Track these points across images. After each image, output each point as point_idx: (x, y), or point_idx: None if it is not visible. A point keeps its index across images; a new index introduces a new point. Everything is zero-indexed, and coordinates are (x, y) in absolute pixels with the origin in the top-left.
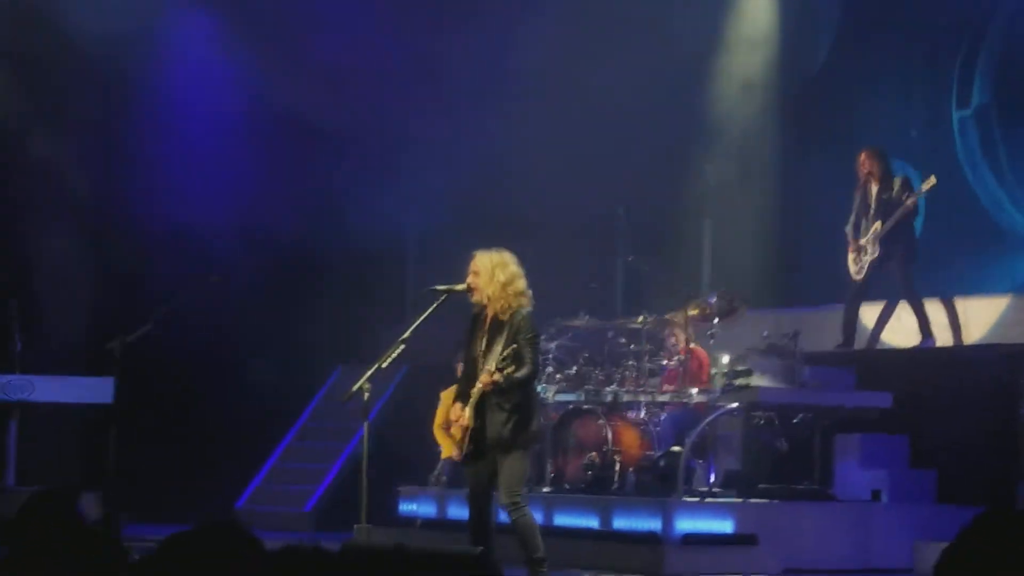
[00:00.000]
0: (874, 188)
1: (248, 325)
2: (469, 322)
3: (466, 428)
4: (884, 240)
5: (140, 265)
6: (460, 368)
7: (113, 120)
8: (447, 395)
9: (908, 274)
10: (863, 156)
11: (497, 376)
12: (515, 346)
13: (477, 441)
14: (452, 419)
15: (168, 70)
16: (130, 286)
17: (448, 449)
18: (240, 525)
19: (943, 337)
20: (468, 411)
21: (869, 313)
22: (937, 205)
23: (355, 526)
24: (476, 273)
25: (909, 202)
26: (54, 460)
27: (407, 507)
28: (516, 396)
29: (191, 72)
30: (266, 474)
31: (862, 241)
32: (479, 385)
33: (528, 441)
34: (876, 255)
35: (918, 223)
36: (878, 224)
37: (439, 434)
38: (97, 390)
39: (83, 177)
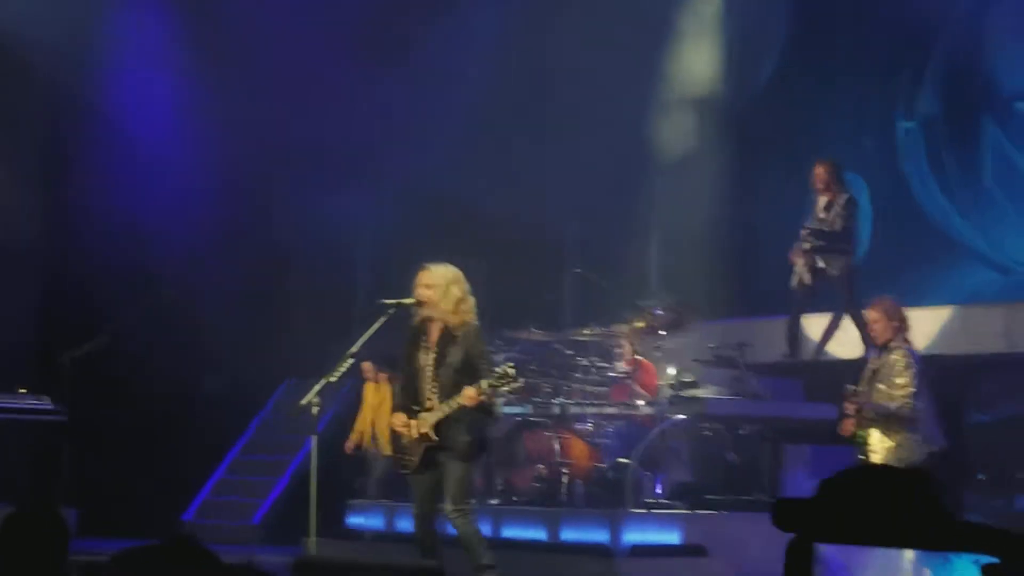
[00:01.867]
0: (821, 200)
1: (196, 339)
2: (408, 333)
3: (421, 440)
4: (817, 257)
5: (90, 279)
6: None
7: (63, 130)
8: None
9: (850, 286)
10: (816, 166)
11: (480, 396)
12: (509, 365)
13: (431, 453)
14: (399, 425)
15: (117, 78)
16: (79, 301)
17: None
18: (194, 539)
19: None
20: (428, 426)
21: (816, 324)
22: (883, 216)
23: (304, 539)
24: (429, 287)
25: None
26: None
27: (355, 520)
28: (479, 409)
29: (141, 81)
30: (213, 487)
31: (799, 252)
32: (459, 401)
33: (477, 452)
34: (807, 269)
35: (864, 234)
36: (809, 237)
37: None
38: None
39: (33, 190)
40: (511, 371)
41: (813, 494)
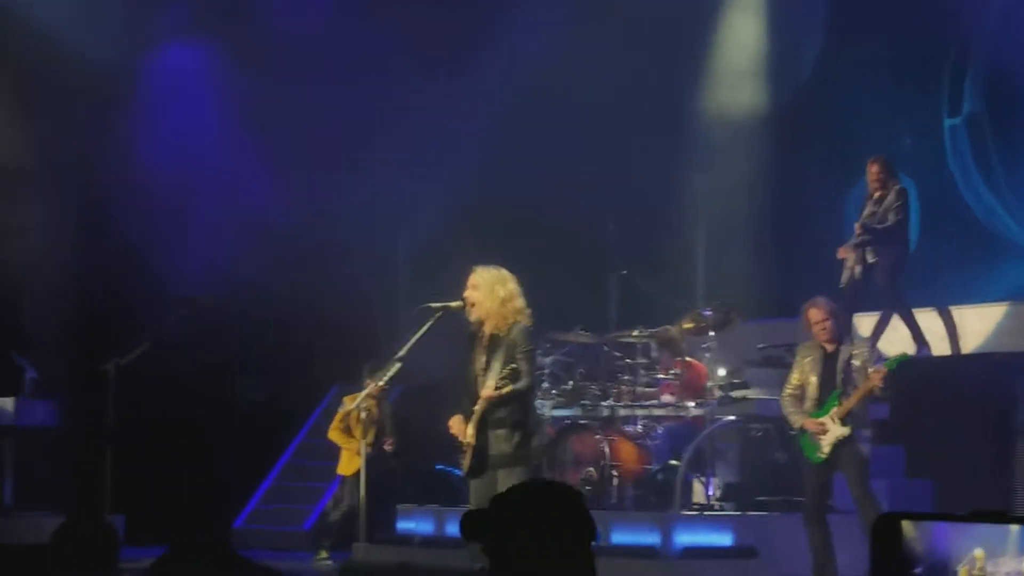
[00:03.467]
0: (874, 196)
1: (244, 345)
2: (466, 340)
3: (468, 445)
4: (870, 249)
5: (134, 286)
6: None
7: (106, 141)
8: (349, 399)
9: (896, 284)
10: (870, 164)
11: (496, 393)
12: (513, 365)
13: (478, 458)
14: (452, 430)
15: (159, 90)
16: (124, 307)
17: (347, 462)
18: (227, 545)
19: (939, 346)
20: (470, 428)
21: (865, 323)
22: (929, 214)
23: (353, 544)
24: (475, 287)
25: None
26: (50, 483)
27: (405, 524)
28: (517, 412)
29: (183, 93)
30: (263, 494)
31: (848, 248)
32: (480, 401)
33: (529, 458)
34: (858, 263)
35: (912, 233)
36: (859, 236)
37: (337, 436)
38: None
39: (76, 200)
40: (509, 372)
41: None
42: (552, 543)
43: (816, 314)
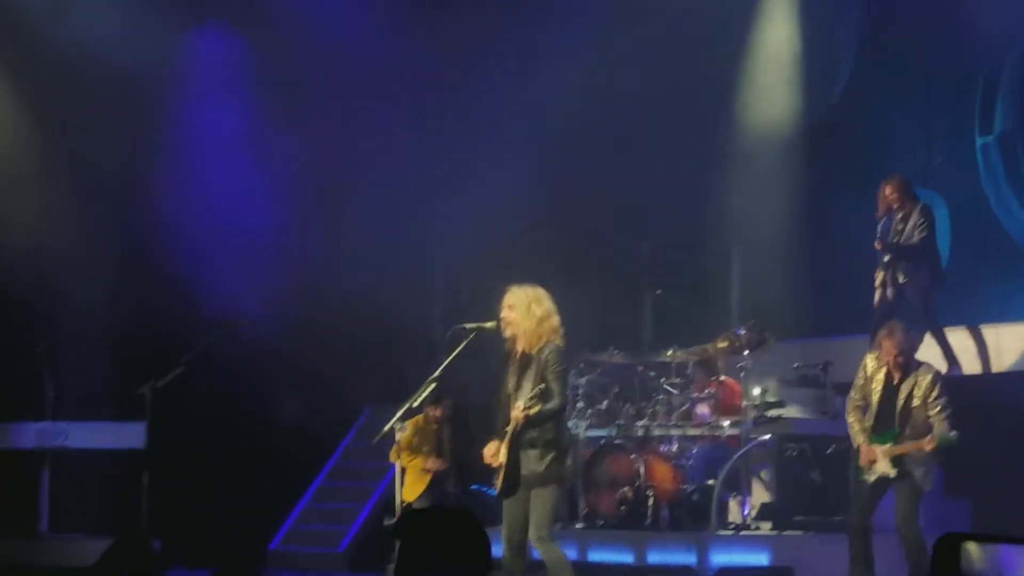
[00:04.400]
0: (897, 215)
1: (277, 367)
2: (502, 360)
3: (500, 465)
4: (902, 268)
5: (169, 308)
6: None
7: (138, 163)
8: (410, 424)
9: (929, 303)
10: (885, 187)
11: (527, 412)
12: (543, 385)
13: (511, 478)
14: (487, 456)
15: (193, 110)
16: (159, 329)
17: (412, 485)
18: (252, 566)
19: (972, 365)
20: (503, 448)
21: None
22: (962, 232)
23: (387, 566)
24: (511, 307)
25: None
26: (87, 507)
27: None
28: (549, 432)
29: (215, 113)
30: (299, 515)
31: (882, 271)
32: (512, 422)
33: (562, 477)
34: (890, 286)
35: (943, 251)
36: (887, 257)
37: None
38: (128, 435)
39: (110, 220)
40: (539, 392)
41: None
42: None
43: (889, 347)
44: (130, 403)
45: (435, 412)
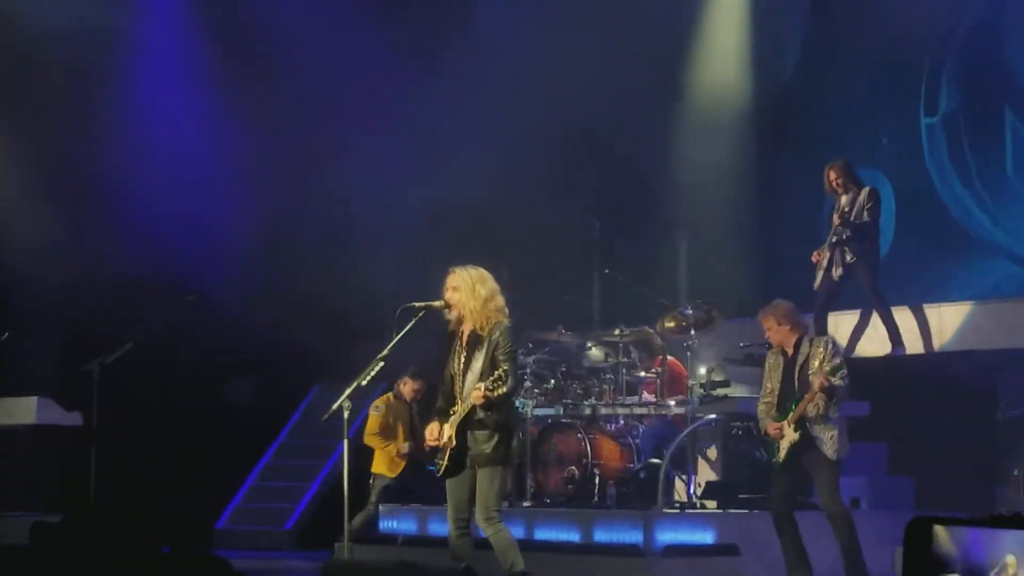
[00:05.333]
0: (842, 200)
1: (225, 344)
2: (446, 339)
3: (446, 445)
4: (846, 250)
5: (115, 286)
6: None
7: (88, 136)
8: (381, 402)
9: (874, 284)
10: (828, 170)
11: (487, 396)
12: (504, 367)
13: (457, 458)
14: (428, 437)
15: (137, 85)
16: (105, 307)
17: (382, 461)
18: (206, 547)
19: (915, 345)
20: (450, 429)
21: (845, 322)
22: (906, 212)
23: (335, 544)
24: (456, 288)
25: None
26: (31, 484)
27: (387, 524)
28: (499, 413)
29: (161, 87)
30: (245, 493)
31: (823, 251)
32: (470, 402)
33: (508, 458)
34: (835, 265)
35: (887, 231)
36: (835, 237)
37: (374, 440)
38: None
39: (55, 199)
40: (501, 374)
41: None
42: None
43: (771, 320)
44: (77, 380)
45: (410, 387)
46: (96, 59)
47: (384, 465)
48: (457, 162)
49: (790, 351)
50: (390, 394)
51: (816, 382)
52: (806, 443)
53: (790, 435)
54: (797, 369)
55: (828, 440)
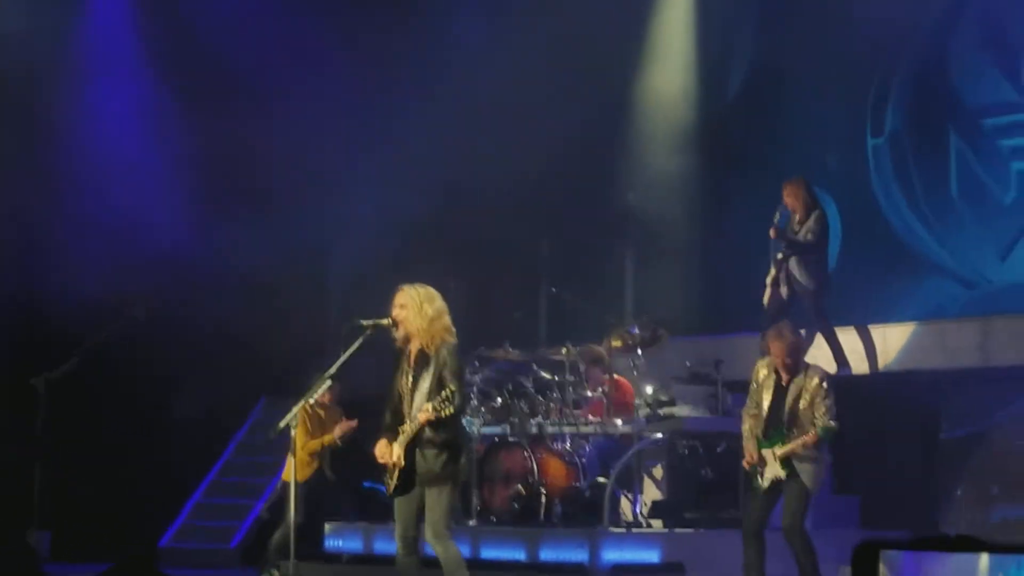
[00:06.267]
0: (794, 216)
1: (171, 358)
2: (394, 358)
3: (395, 464)
4: (793, 270)
5: (62, 301)
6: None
7: (31, 151)
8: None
9: (819, 304)
10: (786, 187)
11: (435, 415)
12: (452, 387)
13: (406, 476)
14: (377, 454)
15: (86, 93)
16: (52, 322)
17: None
18: (153, 563)
19: (860, 365)
20: (399, 448)
21: None
22: (851, 232)
23: (280, 562)
24: (403, 306)
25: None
26: None
27: (333, 543)
28: (447, 431)
29: (111, 97)
30: (190, 510)
31: (773, 269)
32: (417, 421)
33: (457, 476)
34: (784, 284)
35: (832, 251)
36: (781, 255)
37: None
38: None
39: (2, 209)
40: (449, 394)
41: None
42: None
43: (778, 349)
44: (22, 395)
45: (324, 395)
46: (42, 65)
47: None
48: (405, 178)
49: (785, 376)
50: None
51: (810, 438)
52: (789, 476)
53: (777, 470)
54: (789, 399)
55: (809, 475)
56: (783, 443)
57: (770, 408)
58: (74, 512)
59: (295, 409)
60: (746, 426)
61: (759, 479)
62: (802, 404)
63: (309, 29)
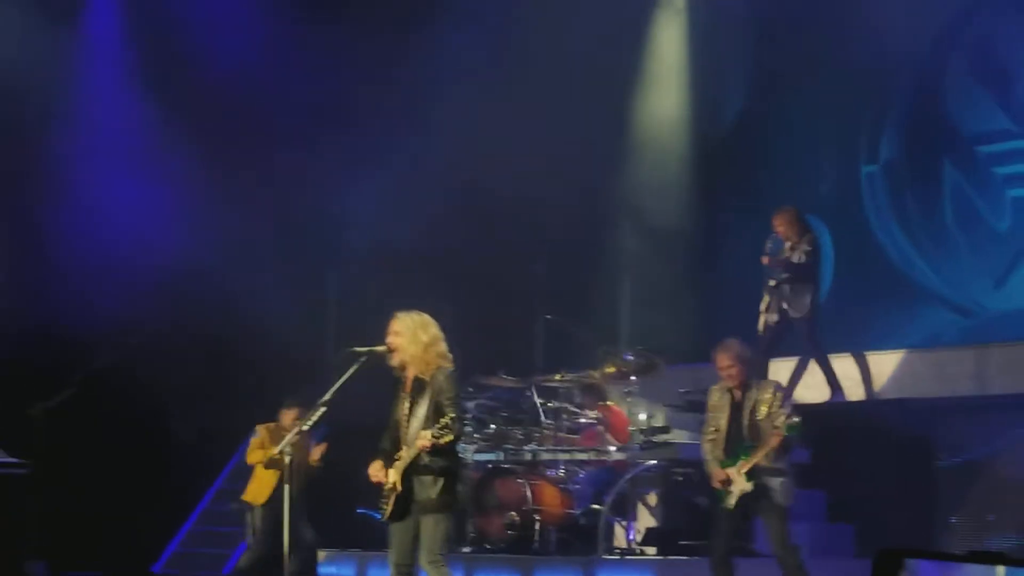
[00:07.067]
0: (786, 244)
1: (165, 386)
2: (394, 384)
3: (392, 490)
4: (785, 297)
5: (58, 329)
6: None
7: (24, 176)
8: (262, 428)
9: (813, 331)
10: (778, 216)
11: (434, 443)
12: (452, 415)
13: (402, 503)
14: (371, 474)
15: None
16: (48, 351)
17: (259, 489)
18: None
19: (854, 392)
20: (396, 475)
21: (783, 368)
22: (844, 259)
23: None
24: (397, 333)
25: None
26: None
27: (327, 570)
28: (444, 459)
29: (106, 123)
30: (183, 537)
31: (767, 296)
32: (415, 448)
33: (454, 504)
34: (775, 312)
35: (826, 278)
36: (775, 282)
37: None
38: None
39: None
40: (448, 422)
41: None
42: None
43: (723, 359)
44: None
45: (290, 416)
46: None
47: (254, 493)
48: (400, 203)
49: (738, 393)
50: (271, 424)
51: (774, 440)
52: (758, 492)
53: (743, 484)
54: (746, 413)
55: (779, 488)
56: (747, 456)
57: (728, 427)
58: (70, 539)
59: (288, 437)
60: (706, 447)
61: (726, 499)
62: (759, 415)
63: (305, 48)
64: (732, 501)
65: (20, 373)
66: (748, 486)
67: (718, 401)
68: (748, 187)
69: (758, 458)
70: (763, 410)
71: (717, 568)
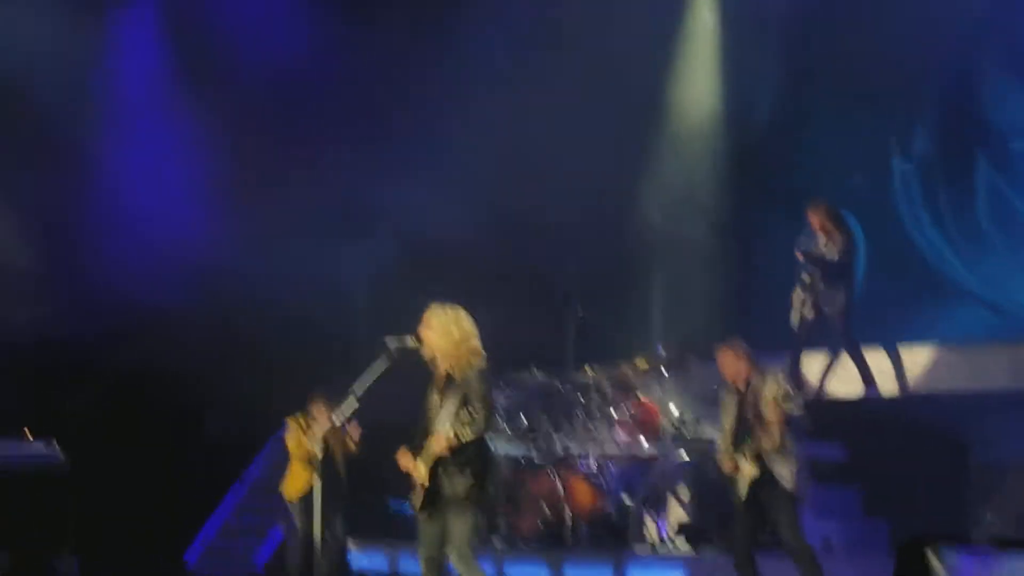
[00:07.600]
0: (821, 238)
1: (198, 379)
2: (429, 377)
3: (421, 486)
4: (819, 293)
5: (90, 324)
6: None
7: (56, 172)
8: (292, 421)
9: (847, 325)
10: (814, 212)
11: (451, 439)
12: (472, 410)
13: (431, 496)
14: (399, 460)
15: (111, 118)
16: (80, 346)
17: (294, 483)
18: None
19: (887, 386)
20: (423, 470)
21: (815, 362)
22: (877, 254)
23: None
24: (429, 327)
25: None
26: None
27: (359, 563)
28: (472, 454)
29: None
30: (216, 531)
31: (801, 292)
32: (435, 448)
33: (483, 497)
34: (810, 307)
35: (858, 273)
36: (809, 277)
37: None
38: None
39: (28, 232)
40: (470, 419)
41: None
42: None
43: (722, 359)
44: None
45: (318, 407)
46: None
47: (289, 487)
48: (433, 198)
49: (743, 388)
50: (302, 416)
51: (772, 415)
52: (765, 479)
53: (748, 470)
54: (750, 406)
55: (787, 475)
56: (750, 441)
57: (736, 418)
58: (102, 535)
59: (320, 431)
60: (718, 443)
61: (739, 487)
62: (763, 401)
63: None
64: (743, 488)
65: (53, 368)
66: (754, 471)
67: (727, 401)
68: (781, 183)
69: (763, 436)
70: (767, 397)
71: (740, 565)
